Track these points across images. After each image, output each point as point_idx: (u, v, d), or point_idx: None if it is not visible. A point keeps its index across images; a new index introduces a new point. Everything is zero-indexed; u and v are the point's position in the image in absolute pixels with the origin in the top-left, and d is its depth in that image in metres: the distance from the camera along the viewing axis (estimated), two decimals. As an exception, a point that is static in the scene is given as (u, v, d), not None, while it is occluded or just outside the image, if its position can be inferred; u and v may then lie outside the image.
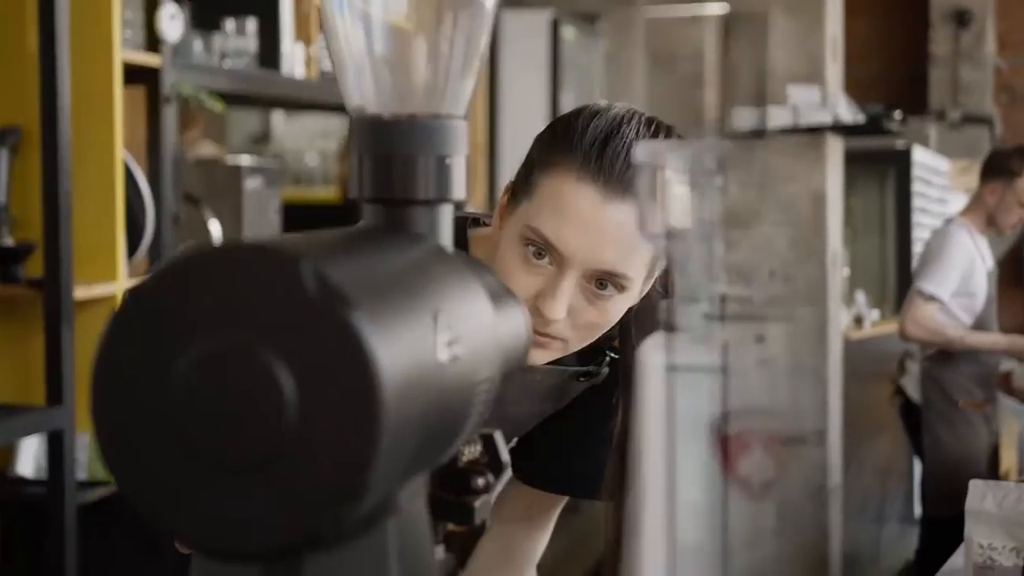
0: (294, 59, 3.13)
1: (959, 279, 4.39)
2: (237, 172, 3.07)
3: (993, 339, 4.52)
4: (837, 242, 5.56)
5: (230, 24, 3.05)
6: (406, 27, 0.85)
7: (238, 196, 3.08)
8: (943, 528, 4.18)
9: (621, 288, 1.27)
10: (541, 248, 1.27)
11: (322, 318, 0.62)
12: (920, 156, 7.20)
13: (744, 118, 5.24)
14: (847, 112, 5.43)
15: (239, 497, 0.63)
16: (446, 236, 0.84)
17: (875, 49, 7.82)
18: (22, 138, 2.46)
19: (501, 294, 0.89)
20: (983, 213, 4.49)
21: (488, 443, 0.90)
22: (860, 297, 6.19)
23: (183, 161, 3.10)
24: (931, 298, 4.30)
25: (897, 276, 7.13)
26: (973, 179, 8.71)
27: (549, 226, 1.25)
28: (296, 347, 0.62)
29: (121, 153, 2.52)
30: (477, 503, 0.88)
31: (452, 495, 0.88)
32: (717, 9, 5.58)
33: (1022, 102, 9.99)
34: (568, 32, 5.43)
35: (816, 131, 5.10)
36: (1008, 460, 4.94)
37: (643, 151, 0.73)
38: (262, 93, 3.17)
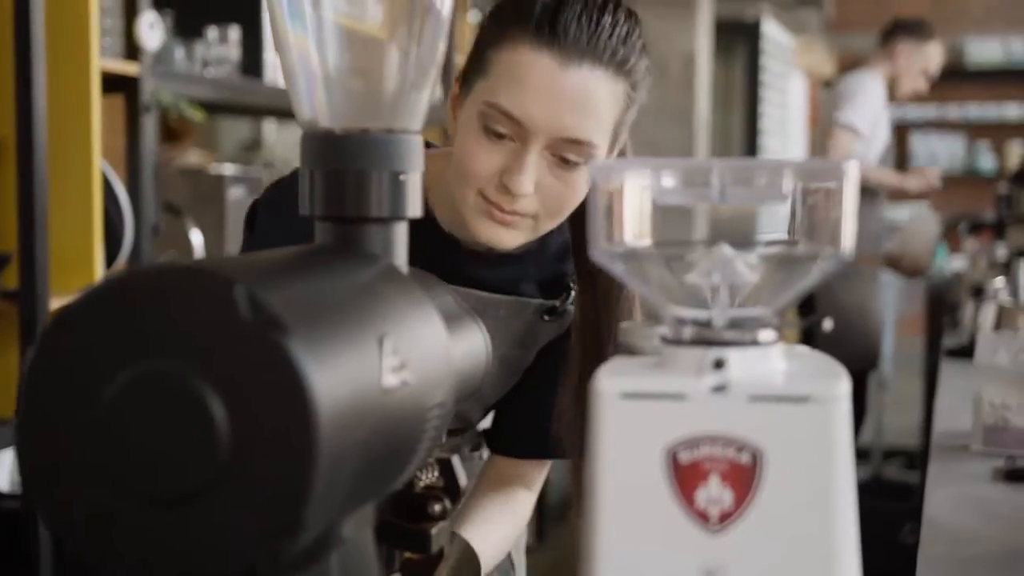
0: (277, 67, 3.11)
1: (873, 119, 4.47)
2: (220, 181, 3.04)
3: (900, 179, 4.68)
4: (706, 109, 5.57)
5: (212, 32, 3.02)
6: (359, 38, 0.82)
7: (221, 205, 3.05)
8: None
9: (587, 158, 1.25)
10: (501, 124, 1.25)
11: (256, 344, 0.59)
12: (769, 29, 7.15)
13: None
14: None
15: (169, 530, 0.60)
16: (400, 254, 0.81)
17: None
18: (-2, 147, 2.43)
19: (458, 314, 0.87)
20: (885, 72, 4.57)
21: (445, 468, 0.87)
22: None
23: (167, 170, 3.08)
24: (850, 128, 4.37)
25: (745, 150, 7.13)
26: (815, 57, 8.75)
27: (508, 98, 1.24)
28: (229, 374, 0.59)
29: (99, 162, 2.49)
30: (434, 530, 0.85)
31: (408, 522, 0.85)
32: None
33: (854, -15, 10.08)
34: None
35: None
36: None
37: (599, 170, 0.70)
38: (245, 102, 3.14)
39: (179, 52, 2.90)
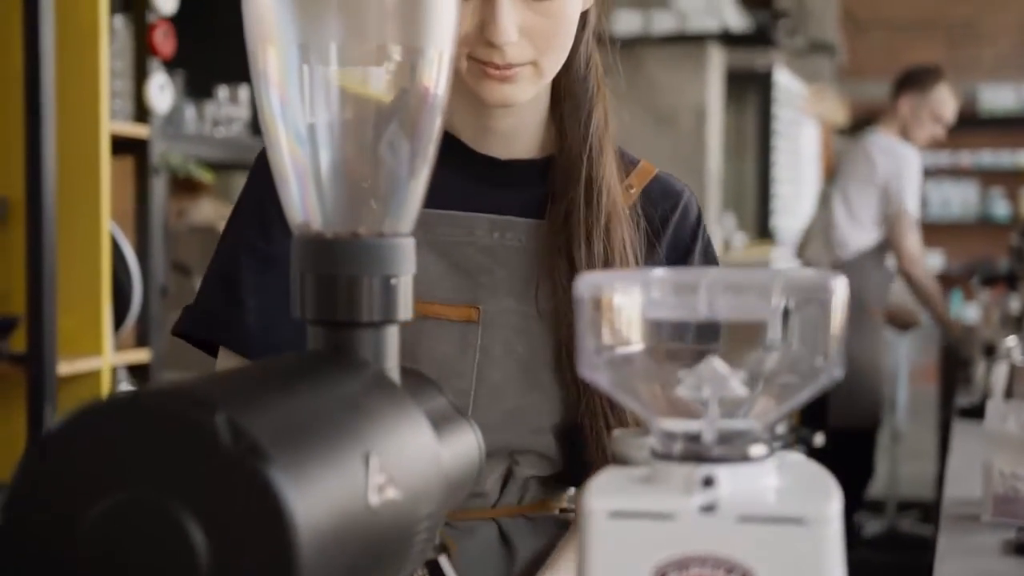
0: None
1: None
2: (229, 239, 3.04)
3: (944, 307, 4.61)
4: (717, 161, 5.57)
5: (223, 91, 3.04)
6: (352, 142, 0.82)
7: (230, 263, 3.05)
8: (847, 440, 4.16)
9: None
10: None
11: (237, 472, 0.58)
12: (781, 78, 7.17)
13: (626, 21, 5.21)
14: (735, 17, 5.41)
15: (150, 659, 0.59)
16: (391, 358, 0.81)
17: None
18: (7, 209, 2.44)
19: (449, 415, 0.86)
20: (897, 126, 4.55)
21: (434, 570, 0.86)
22: (729, 220, 6.14)
23: (177, 227, 3.08)
24: (915, 216, 4.40)
25: (757, 199, 7.12)
26: (827, 105, 8.78)
27: None
28: (210, 503, 0.59)
29: (108, 225, 2.50)
30: (424, 636, 0.84)
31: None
32: None
33: (866, 32, 10.09)
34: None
35: (701, 39, 5.09)
36: None
37: (586, 285, 0.70)
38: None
39: (190, 112, 2.92)
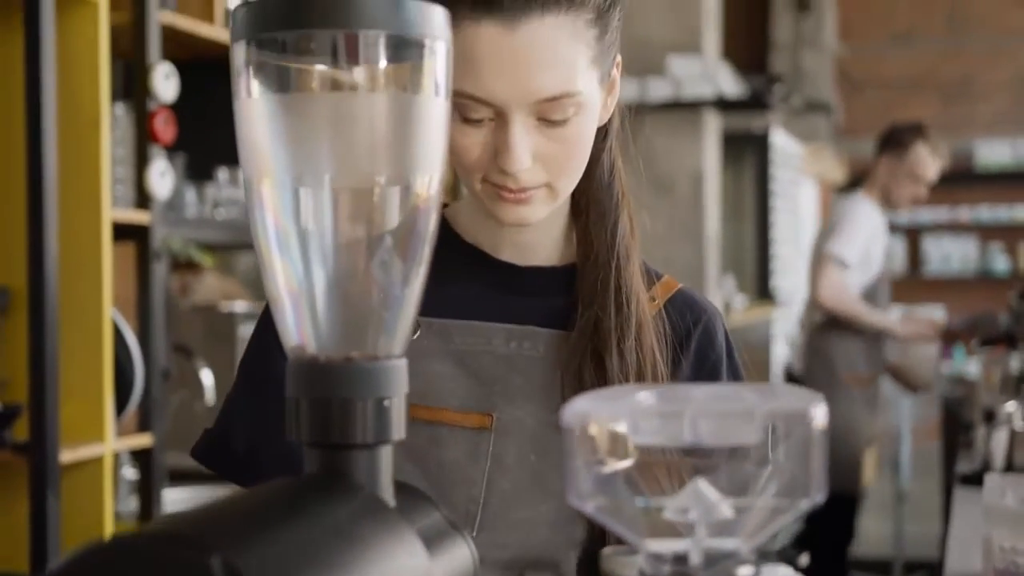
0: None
1: (864, 247, 4.48)
2: (231, 319, 3.07)
3: (893, 321, 4.63)
4: (715, 225, 5.59)
5: (223, 173, 3.07)
6: (344, 268, 0.84)
7: (233, 343, 3.08)
8: (828, 505, 4.12)
9: (575, 107, 1.18)
10: (473, 110, 1.18)
11: (232, 614, 0.60)
12: (778, 139, 7.21)
13: (622, 89, 5.23)
14: (730, 84, 5.44)
15: None
16: (385, 477, 0.82)
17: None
18: (10, 299, 2.46)
19: (443, 533, 0.87)
20: (878, 187, 4.58)
21: None
22: (729, 282, 6.14)
23: (179, 308, 3.10)
24: (841, 262, 4.38)
25: (756, 260, 7.13)
26: (824, 164, 8.81)
27: (467, 81, 1.17)
28: (207, 643, 0.60)
29: (110, 312, 2.52)
30: None
31: None
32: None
33: (861, 90, 10.17)
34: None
35: (696, 106, 5.12)
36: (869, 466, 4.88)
37: (573, 415, 0.72)
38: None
39: (190, 194, 2.95)
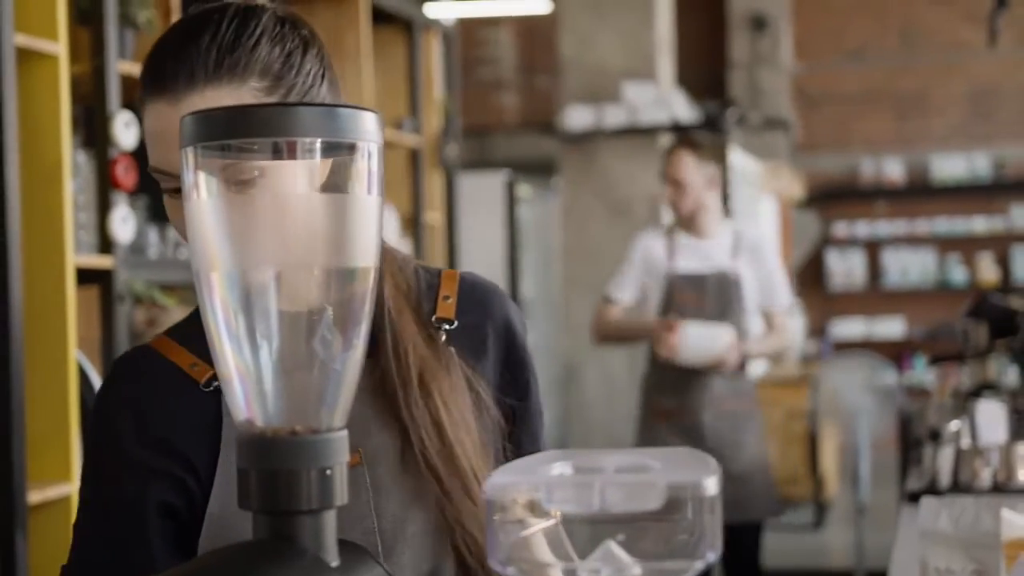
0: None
1: (635, 281, 4.23)
2: (194, 355, 3.13)
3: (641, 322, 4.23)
4: None
5: (184, 214, 3.14)
6: (288, 351, 0.91)
7: (196, 378, 3.13)
8: (736, 534, 4.11)
9: (260, 171, 1.13)
10: (166, 182, 1.23)
11: None
12: (736, 159, 7.30)
13: (579, 116, 5.26)
14: (684, 109, 5.49)
15: None
16: (329, 539, 0.90)
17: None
18: (-24, 344, 2.52)
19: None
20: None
21: None
22: None
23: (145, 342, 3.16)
24: (607, 300, 4.22)
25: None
26: (783, 181, 8.92)
27: (153, 156, 1.23)
28: None
29: (75, 355, 2.58)
30: None
31: None
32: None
33: (818, 107, 10.34)
34: (524, 191, 5.57)
35: (651, 131, 5.16)
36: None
37: (495, 488, 0.80)
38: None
39: (152, 236, 3.02)
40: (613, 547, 0.80)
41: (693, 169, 4.07)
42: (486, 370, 1.35)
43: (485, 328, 1.36)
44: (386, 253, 1.32)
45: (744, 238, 4.15)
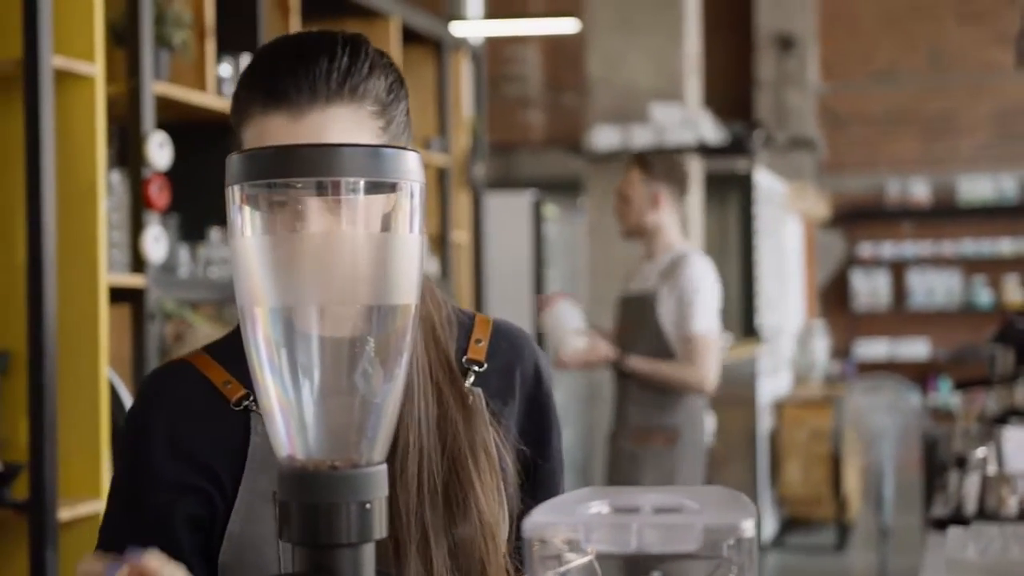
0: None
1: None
2: (223, 372, 3.15)
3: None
4: None
5: (215, 233, 3.17)
6: (329, 389, 0.93)
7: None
8: None
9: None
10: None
11: None
12: (761, 179, 7.29)
13: (606, 136, 5.24)
14: (711, 130, 5.47)
15: None
16: (368, 574, 0.91)
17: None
18: (9, 362, 2.55)
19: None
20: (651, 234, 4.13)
21: None
22: None
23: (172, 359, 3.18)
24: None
25: (742, 298, 7.21)
26: (806, 201, 8.87)
27: None
28: None
29: (106, 373, 2.61)
30: None
31: None
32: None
33: (844, 127, 10.31)
34: (550, 210, 5.59)
35: (678, 151, 5.12)
36: None
37: (534, 526, 0.81)
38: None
39: (184, 255, 3.04)
40: (650, 585, 0.81)
41: (637, 185, 4.03)
42: (511, 415, 1.37)
43: (514, 374, 1.38)
44: (426, 291, 1.33)
45: (676, 260, 4.04)
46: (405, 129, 1.31)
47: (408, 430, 1.28)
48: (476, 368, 1.35)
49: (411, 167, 0.91)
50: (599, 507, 0.84)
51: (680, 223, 4.11)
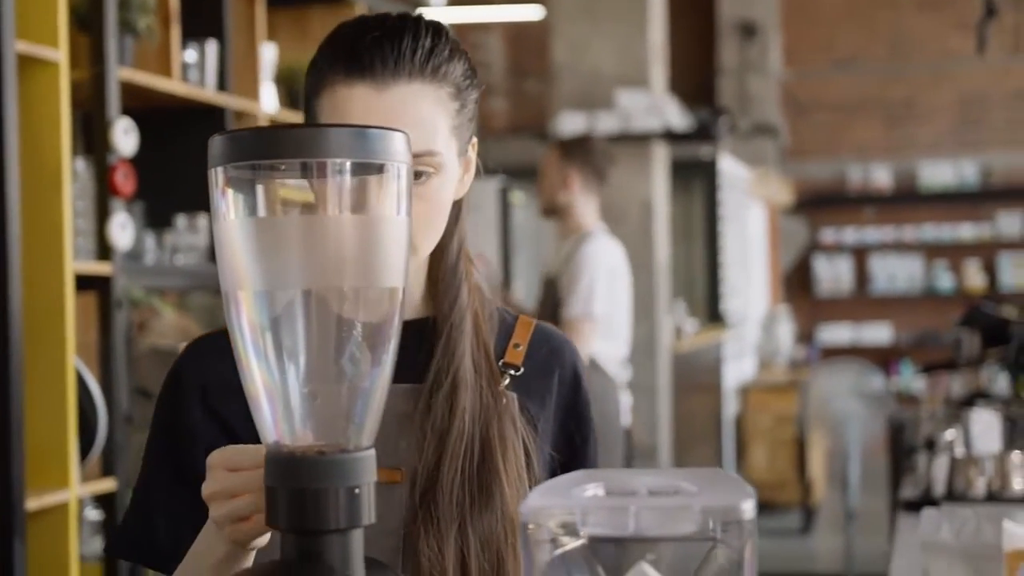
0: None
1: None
2: (190, 361, 3.12)
3: None
4: (665, 253, 5.70)
5: (182, 220, 3.13)
6: (316, 370, 0.91)
7: (191, 384, 3.12)
8: None
9: (436, 168, 1.25)
10: None
11: None
12: (725, 165, 7.34)
13: (571, 122, 5.27)
14: (677, 117, 5.50)
15: None
16: (357, 559, 0.90)
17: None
18: (-25, 351, 2.51)
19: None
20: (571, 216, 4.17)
21: None
22: (680, 307, 6.23)
23: (138, 349, 3.15)
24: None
25: (707, 284, 7.26)
26: (769, 187, 8.92)
27: None
28: None
29: (73, 362, 2.58)
30: None
31: None
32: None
33: (807, 114, 10.39)
34: (516, 197, 5.57)
35: (644, 137, 5.15)
36: None
37: (530, 511, 0.80)
38: (215, 286, 3.24)
39: (150, 242, 3.01)
40: (646, 567, 0.80)
41: (551, 165, 4.11)
42: (547, 420, 1.37)
43: (552, 379, 1.38)
44: (473, 291, 1.35)
45: (576, 241, 4.08)
46: (474, 116, 1.33)
47: (460, 417, 1.28)
48: (512, 372, 1.34)
49: (398, 148, 0.90)
50: (594, 489, 0.83)
51: (596, 206, 4.14)
